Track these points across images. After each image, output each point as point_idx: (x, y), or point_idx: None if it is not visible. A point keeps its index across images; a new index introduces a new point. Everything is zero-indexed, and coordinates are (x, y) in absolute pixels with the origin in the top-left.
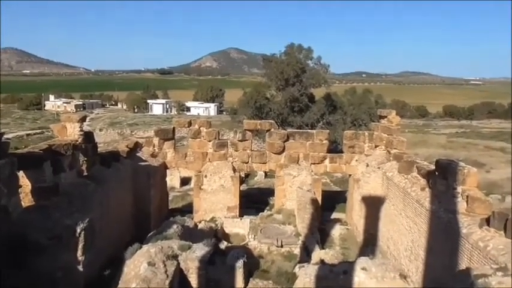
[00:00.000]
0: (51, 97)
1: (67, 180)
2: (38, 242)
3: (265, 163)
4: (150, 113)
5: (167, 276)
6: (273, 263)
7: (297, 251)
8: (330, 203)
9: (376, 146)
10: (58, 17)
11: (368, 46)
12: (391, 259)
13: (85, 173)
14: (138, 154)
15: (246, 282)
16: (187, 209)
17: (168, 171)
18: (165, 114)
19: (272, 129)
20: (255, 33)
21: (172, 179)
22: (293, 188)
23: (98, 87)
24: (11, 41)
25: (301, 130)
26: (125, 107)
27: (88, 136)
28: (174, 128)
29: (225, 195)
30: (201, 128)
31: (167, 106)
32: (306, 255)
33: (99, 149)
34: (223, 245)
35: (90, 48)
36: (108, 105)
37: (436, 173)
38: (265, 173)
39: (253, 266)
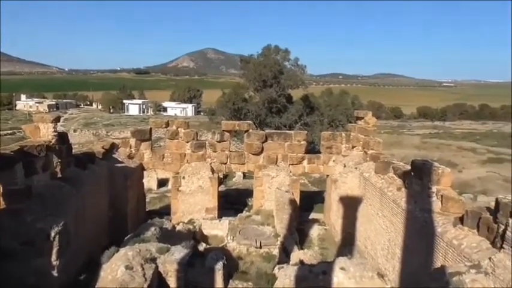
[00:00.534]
0: (23, 97)
1: (40, 183)
2: (9, 247)
3: (243, 164)
4: (126, 114)
5: (145, 279)
6: (252, 264)
7: (275, 251)
8: (308, 203)
9: (353, 147)
10: (29, 15)
11: (344, 48)
12: (368, 258)
13: (59, 175)
14: (114, 155)
15: (226, 284)
16: (165, 211)
17: (145, 172)
18: (141, 114)
19: (250, 130)
20: (233, 33)
21: (150, 181)
22: (271, 188)
23: (72, 86)
24: None
25: (279, 131)
26: (100, 107)
27: (62, 137)
28: (151, 128)
29: (203, 196)
30: (179, 129)
31: (144, 106)
32: (284, 256)
33: (73, 150)
34: (202, 246)
35: (63, 46)
36: (82, 105)
37: (412, 173)
38: (244, 173)
39: (232, 267)
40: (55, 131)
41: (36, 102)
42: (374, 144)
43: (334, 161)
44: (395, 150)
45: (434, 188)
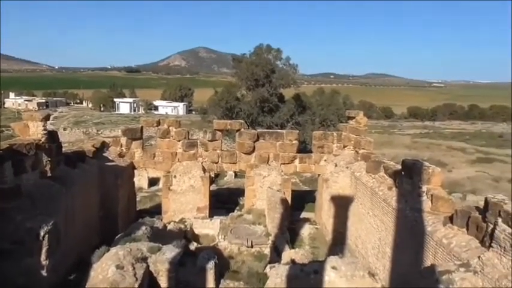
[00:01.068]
0: (12, 94)
1: (29, 182)
2: None
3: (235, 163)
4: (117, 112)
5: (136, 279)
6: (243, 264)
7: (267, 251)
8: (299, 202)
9: (344, 146)
10: (17, 11)
11: (336, 48)
12: (359, 257)
13: (49, 174)
14: (104, 154)
15: (217, 283)
16: (156, 210)
17: (135, 171)
18: (132, 113)
19: (242, 129)
20: (225, 32)
21: (140, 180)
22: (263, 188)
23: (62, 84)
24: None
25: (271, 130)
26: (90, 105)
27: (52, 135)
28: (142, 127)
29: (194, 195)
30: (170, 128)
31: (134, 105)
32: (276, 255)
33: (63, 149)
34: (193, 246)
35: (53, 44)
36: (72, 104)
37: (403, 173)
38: (235, 173)
39: (223, 267)
40: (45, 130)
41: (25, 100)
42: (365, 143)
43: (325, 160)
44: (386, 150)
45: (424, 188)
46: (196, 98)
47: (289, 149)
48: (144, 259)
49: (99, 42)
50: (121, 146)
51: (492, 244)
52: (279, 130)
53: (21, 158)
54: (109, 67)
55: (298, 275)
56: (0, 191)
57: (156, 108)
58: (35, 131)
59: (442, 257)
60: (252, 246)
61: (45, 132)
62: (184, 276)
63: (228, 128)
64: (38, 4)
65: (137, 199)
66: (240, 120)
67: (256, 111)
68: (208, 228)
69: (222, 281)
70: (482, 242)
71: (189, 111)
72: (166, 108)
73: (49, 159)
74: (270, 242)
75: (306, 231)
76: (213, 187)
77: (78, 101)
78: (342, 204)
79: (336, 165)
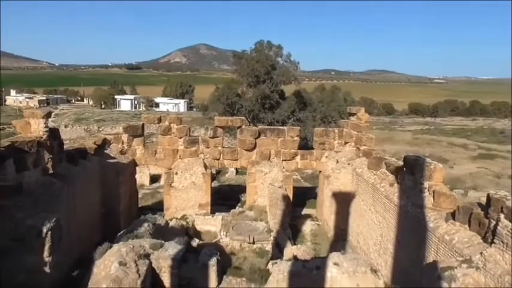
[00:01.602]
0: (12, 92)
1: (31, 179)
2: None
3: (236, 160)
4: (117, 109)
5: (139, 275)
6: (245, 260)
7: (268, 247)
8: (300, 199)
9: (345, 143)
10: (17, 9)
11: (337, 44)
12: (360, 254)
13: (50, 171)
14: (106, 151)
15: (220, 279)
16: (158, 207)
17: (137, 168)
18: (133, 110)
19: (243, 126)
20: (225, 29)
21: (142, 177)
22: (264, 184)
23: (63, 82)
24: None
25: (272, 127)
26: (91, 102)
27: (53, 133)
28: (143, 124)
29: (196, 192)
30: (172, 125)
31: (135, 102)
32: (277, 252)
33: (65, 146)
34: (195, 242)
35: (53, 41)
36: (73, 101)
37: (404, 169)
38: (237, 169)
39: (225, 263)
40: (46, 127)
41: (26, 98)
42: (366, 140)
43: (326, 157)
44: (387, 146)
45: (426, 184)
46: (197, 94)
47: (291, 145)
48: (147, 256)
49: (99, 39)
50: (122, 143)
51: (494, 240)
52: (280, 127)
53: (23, 155)
54: (109, 64)
55: (300, 271)
56: (2, 188)
57: (157, 105)
58: (37, 129)
59: (444, 253)
60: (253, 243)
61: (46, 129)
62: (186, 272)
63: (229, 125)
64: (39, 2)
65: (139, 196)
66: (241, 117)
67: (257, 107)
68: (210, 224)
69: (224, 277)
70: (484, 238)
71: (190, 108)
72: (167, 105)
73: (51, 156)
74: (271, 238)
75: (307, 227)
76: (215, 184)
77: (79, 98)
78: (343, 200)
79: (337, 162)
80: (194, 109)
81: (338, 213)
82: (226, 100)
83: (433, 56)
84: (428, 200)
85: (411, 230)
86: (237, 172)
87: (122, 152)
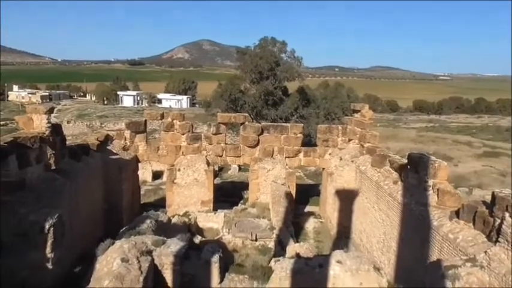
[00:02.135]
0: (15, 87)
1: (34, 175)
2: (2, 239)
3: (239, 156)
4: (120, 105)
5: (141, 272)
6: (247, 257)
7: (271, 244)
8: (303, 196)
9: (349, 140)
10: (19, 3)
11: (341, 41)
12: (364, 252)
13: (53, 167)
14: (108, 147)
15: (222, 277)
16: (160, 204)
17: (139, 164)
18: (135, 106)
19: (246, 123)
20: (228, 25)
21: (144, 173)
22: (267, 181)
23: (65, 77)
24: None
25: (275, 123)
26: (93, 98)
27: (56, 128)
28: (145, 120)
29: (198, 189)
30: (174, 121)
31: (138, 98)
32: (280, 249)
33: (67, 142)
34: (197, 239)
35: (56, 37)
36: (76, 97)
37: (408, 167)
38: (239, 166)
39: (228, 260)
40: (49, 122)
41: (28, 93)
42: (370, 137)
43: (330, 154)
44: (391, 144)
45: (430, 182)
46: (199, 91)
47: (294, 142)
48: (149, 252)
49: (102, 35)
50: (125, 139)
51: (499, 239)
52: (283, 123)
53: (26, 151)
54: (112, 60)
55: (303, 268)
56: (4, 184)
57: (159, 101)
58: (39, 124)
59: (448, 252)
60: (256, 240)
61: (49, 125)
62: (189, 269)
63: (232, 121)
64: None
65: (141, 192)
66: (244, 114)
67: (260, 104)
68: (213, 221)
69: (226, 274)
70: (489, 237)
71: (192, 104)
72: (170, 101)
73: (53, 152)
74: (274, 235)
75: (310, 225)
76: (217, 180)
77: (82, 94)
78: (346, 198)
79: (340, 159)
80: (197, 105)
81: (341, 210)
82: (230, 96)
83: (438, 52)
84: (433, 198)
85: (415, 228)
86: (239, 169)
87: (125, 148)
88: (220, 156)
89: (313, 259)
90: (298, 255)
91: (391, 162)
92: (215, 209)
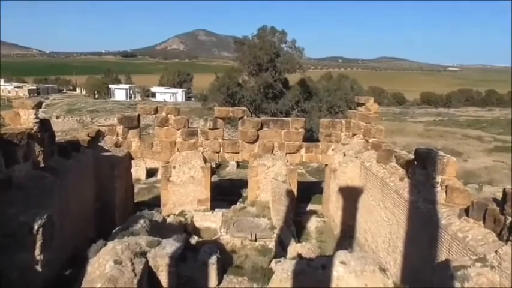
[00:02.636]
0: (1, 81)
1: (21, 173)
2: None
3: (237, 153)
4: (112, 99)
5: (135, 274)
6: (246, 258)
7: (271, 245)
8: (305, 194)
9: (353, 135)
10: None
11: (344, 30)
12: (368, 252)
13: (42, 165)
14: (100, 144)
15: (220, 279)
16: (155, 202)
17: (133, 162)
18: (128, 100)
19: (245, 117)
20: (225, 14)
21: (138, 170)
22: (267, 179)
23: (54, 70)
24: None
25: (275, 118)
26: (84, 92)
27: (44, 124)
28: (139, 115)
29: (195, 187)
30: (169, 116)
31: (131, 91)
32: (281, 249)
33: (56, 138)
34: (194, 240)
35: (43, 27)
36: (65, 91)
37: (415, 163)
38: (238, 163)
39: (226, 261)
40: (36, 118)
41: (15, 87)
42: (376, 132)
43: (333, 149)
44: (397, 138)
45: (438, 178)
46: (195, 83)
47: (295, 137)
48: (143, 254)
49: (92, 25)
50: (117, 135)
51: (510, 238)
52: (284, 118)
53: (13, 148)
54: (103, 51)
55: (305, 270)
56: None
57: (153, 95)
58: (26, 120)
59: (457, 252)
60: (255, 240)
61: (37, 120)
62: (185, 271)
63: (230, 116)
64: None
65: (135, 191)
66: (243, 107)
67: (259, 97)
68: (210, 221)
69: (224, 276)
70: (499, 236)
71: (188, 97)
72: (164, 94)
73: (42, 149)
74: (274, 235)
75: (312, 224)
76: (215, 178)
77: (71, 88)
78: (350, 196)
79: (344, 155)
80: (193, 99)
81: (345, 209)
82: (227, 89)
83: (447, 42)
84: (441, 195)
85: (422, 227)
86: (238, 166)
87: (117, 145)
88: (218, 152)
89: (315, 260)
90: (299, 256)
91: (397, 158)
92: (212, 208)
